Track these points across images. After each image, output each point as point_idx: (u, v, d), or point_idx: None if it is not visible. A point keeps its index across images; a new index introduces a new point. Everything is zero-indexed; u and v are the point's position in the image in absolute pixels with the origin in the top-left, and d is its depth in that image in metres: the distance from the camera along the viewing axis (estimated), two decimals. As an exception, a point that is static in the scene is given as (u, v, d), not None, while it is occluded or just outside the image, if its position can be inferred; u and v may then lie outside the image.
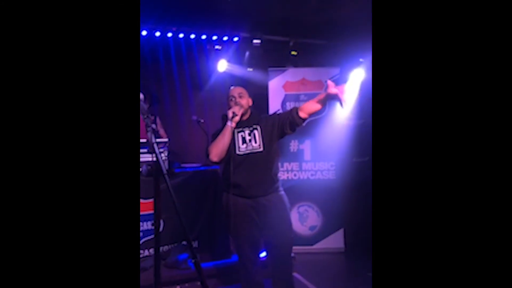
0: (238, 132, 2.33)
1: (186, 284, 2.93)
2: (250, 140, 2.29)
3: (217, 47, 3.92)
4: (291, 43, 4.06)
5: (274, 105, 3.94)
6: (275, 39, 4.06)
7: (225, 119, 2.41)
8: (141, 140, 2.96)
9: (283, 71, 3.98)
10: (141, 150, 2.92)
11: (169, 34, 3.78)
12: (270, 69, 3.99)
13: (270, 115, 2.60)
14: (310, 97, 3.92)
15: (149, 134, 1.62)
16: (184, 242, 3.11)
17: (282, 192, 2.35)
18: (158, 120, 3.94)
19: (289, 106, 3.93)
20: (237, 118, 2.27)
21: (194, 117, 3.69)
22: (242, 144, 2.29)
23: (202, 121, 3.68)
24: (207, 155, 2.27)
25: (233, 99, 2.36)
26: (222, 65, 4.01)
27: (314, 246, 3.86)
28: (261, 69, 4.12)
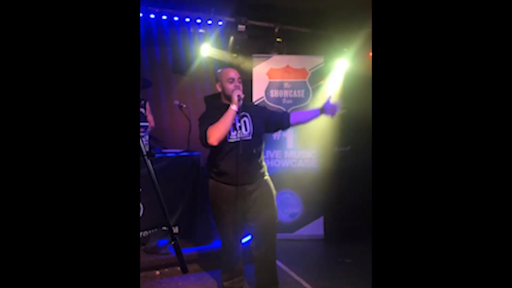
0: None
1: (166, 269, 2.93)
2: (240, 127, 2.23)
3: (201, 30, 3.83)
4: (276, 30, 4.02)
5: (258, 92, 3.92)
6: (260, 25, 4.01)
7: (209, 101, 2.38)
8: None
9: (268, 58, 3.95)
10: None
11: (152, 16, 3.67)
12: (254, 55, 3.95)
13: (259, 106, 2.56)
14: (293, 85, 3.92)
15: None
16: (164, 228, 3.10)
17: (267, 178, 2.35)
18: (147, 106, 3.84)
19: (273, 93, 3.91)
20: (240, 103, 2.17)
21: (176, 102, 3.62)
22: (233, 131, 2.22)
23: (184, 106, 3.62)
24: (205, 139, 2.16)
25: (232, 81, 2.24)
26: (206, 50, 3.94)
27: (295, 233, 3.91)
28: (246, 55, 4.07)
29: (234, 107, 2.15)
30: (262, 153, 2.36)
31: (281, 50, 4.05)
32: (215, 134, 2.13)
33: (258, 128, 2.28)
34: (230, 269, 2.40)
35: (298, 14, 3.89)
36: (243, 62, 4.12)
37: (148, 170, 1.50)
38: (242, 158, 2.19)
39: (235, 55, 4.12)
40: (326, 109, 2.23)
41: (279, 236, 2.98)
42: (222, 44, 4.04)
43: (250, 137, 2.24)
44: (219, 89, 2.30)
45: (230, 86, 2.23)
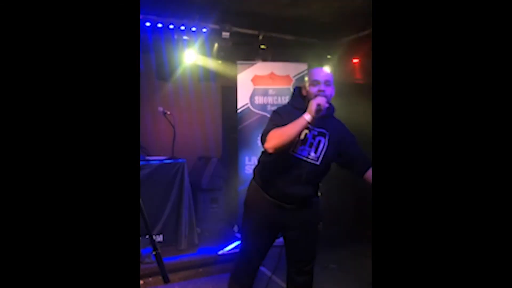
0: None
1: (150, 279, 2.88)
2: (311, 145, 1.85)
3: (185, 37, 3.83)
4: (260, 37, 4.05)
5: (243, 99, 3.92)
6: (244, 32, 4.03)
7: (294, 95, 1.98)
8: None
9: (252, 64, 3.97)
10: None
11: (135, 22, 3.64)
12: (239, 62, 3.96)
13: (344, 128, 2.00)
14: (278, 91, 3.94)
15: None
16: (147, 236, 3.05)
17: (316, 206, 2.01)
18: None
19: (258, 100, 3.92)
20: (318, 114, 1.76)
21: (160, 109, 3.60)
22: (301, 145, 1.84)
23: (168, 112, 3.60)
24: (263, 141, 1.84)
25: (317, 84, 1.84)
26: (190, 56, 3.93)
27: (280, 239, 3.90)
28: (230, 61, 4.08)
29: (307, 117, 1.74)
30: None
31: (266, 57, 4.08)
32: (275, 140, 1.75)
33: (329, 157, 1.87)
34: (240, 281, 2.05)
35: (282, 21, 3.93)
36: (227, 68, 4.13)
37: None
38: (300, 180, 1.85)
39: (219, 61, 4.13)
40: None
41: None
42: (206, 51, 4.04)
43: (317, 162, 1.85)
44: (304, 93, 1.92)
45: (313, 90, 1.83)
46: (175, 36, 3.80)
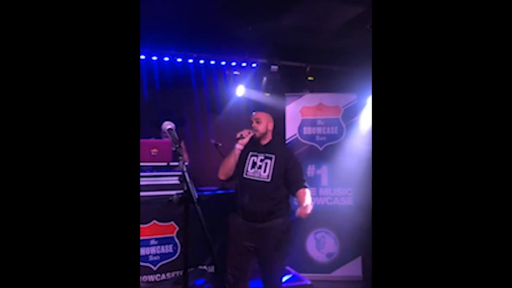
0: (252, 155, 2.38)
1: (201, 310, 2.89)
2: (260, 167, 2.32)
3: (235, 72, 4.01)
4: (307, 69, 4.13)
5: (291, 130, 3.96)
6: (292, 65, 4.14)
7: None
8: (171, 164, 3.09)
9: (300, 96, 4.02)
10: (168, 174, 3.04)
11: (190, 60, 3.90)
12: (287, 94, 4.04)
13: (290, 154, 2.48)
14: (327, 122, 3.94)
15: (180, 163, 1.69)
16: (200, 267, 3.10)
17: (282, 219, 2.31)
18: (182, 144, 4.00)
19: (306, 131, 3.94)
20: (243, 141, 2.37)
21: (213, 141, 3.73)
22: (251, 168, 2.33)
23: (220, 144, 3.71)
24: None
25: (251, 123, 2.42)
26: (240, 90, 4.09)
27: (332, 274, 3.77)
28: (278, 94, 4.18)
29: (236, 145, 2.38)
30: (283, 194, 2.34)
31: (313, 88, 4.13)
32: (221, 169, 2.42)
33: (276, 176, 2.30)
34: None
35: (329, 53, 3.98)
36: (276, 101, 4.23)
37: (198, 214, 1.61)
38: (256, 196, 2.26)
39: (268, 94, 4.24)
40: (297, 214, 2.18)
41: (316, 276, 2.90)
42: (255, 84, 4.19)
43: (268, 180, 2.28)
44: None
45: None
46: (227, 72, 4.00)
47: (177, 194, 1.70)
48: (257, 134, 2.37)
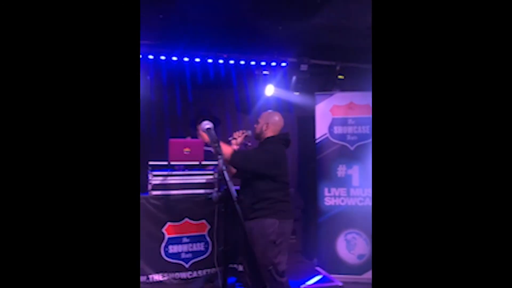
0: None
1: (232, 308, 2.92)
2: None
3: (265, 72, 4.01)
4: (337, 67, 4.07)
5: (321, 129, 3.93)
6: (322, 64, 4.09)
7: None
8: (203, 163, 3.16)
9: (330, 95, 3.98)
10: (200, 173, 3.12)
11: (220, 61, 3.94)
12: (316, 93, 4.00)
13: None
14: (358, 121, 3.88)
15: (220, 162, 1.72)
16: (231, 265, 3.13)
17: (255, 221, 2.30)
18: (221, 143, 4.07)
19: (337, 130, 3.89)
20: (237, 141, 2.57)
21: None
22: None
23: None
24: None
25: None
26: (270, 90, 4.09)
27: (363, 276, 3.70)
28: (308, 93, 4.15)
29: (233, 146, 2.57)
30: (252, 194, 2.33)
31: (344, 86, 4.07)
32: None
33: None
34: None
35: (358, 51, 3.91)
36: (305, 100, 4.20)
37: (237, 212, 1.66)
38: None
39: (297, 93, 4.22)
40: None
41: (347, 278, 2.82)
42: (285, 84, 4.17)
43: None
44: None
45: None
46: (256, 72, 4.00)
47: (217, 192, 1.74)
48: (251, 134, 2.59)
